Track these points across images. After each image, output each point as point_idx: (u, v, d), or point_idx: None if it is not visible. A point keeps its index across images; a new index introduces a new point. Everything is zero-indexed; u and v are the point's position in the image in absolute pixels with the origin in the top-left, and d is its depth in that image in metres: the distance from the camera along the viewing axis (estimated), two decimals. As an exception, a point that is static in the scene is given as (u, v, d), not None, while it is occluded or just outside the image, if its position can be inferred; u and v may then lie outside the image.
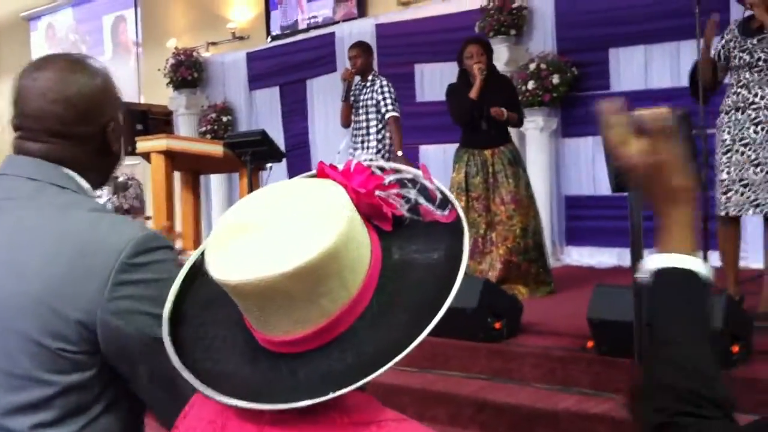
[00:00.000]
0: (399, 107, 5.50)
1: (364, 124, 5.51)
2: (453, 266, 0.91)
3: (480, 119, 4.96)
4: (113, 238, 1.13)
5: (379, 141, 5.46)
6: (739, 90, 3.89)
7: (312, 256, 0.82)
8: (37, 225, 1.14)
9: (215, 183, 8.83)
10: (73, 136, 1.22)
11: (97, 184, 1.31)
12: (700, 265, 0.94)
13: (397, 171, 0.99)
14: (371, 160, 1.00)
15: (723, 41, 4.04)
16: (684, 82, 5.71)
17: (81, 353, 1.11)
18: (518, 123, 5.18)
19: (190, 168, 5.99)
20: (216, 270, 0.86)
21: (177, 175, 5.85)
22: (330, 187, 0.93)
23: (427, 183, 0.99)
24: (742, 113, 3.86)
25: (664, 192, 0.96)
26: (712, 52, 4.07)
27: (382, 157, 5.39)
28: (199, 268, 1.00)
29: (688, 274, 0.93)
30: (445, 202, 0.98)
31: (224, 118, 8.92)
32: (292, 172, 8.30)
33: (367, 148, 5.44)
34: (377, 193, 0.93)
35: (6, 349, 1.11)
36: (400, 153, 5.33)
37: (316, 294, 0.85)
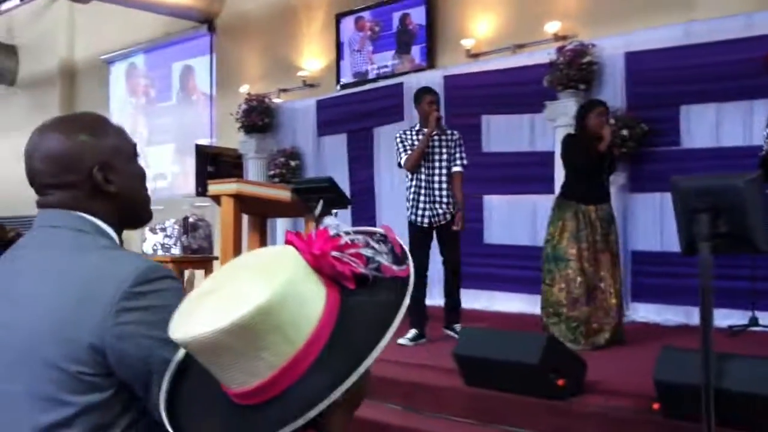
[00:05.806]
0: None
1: (437, 171, 5.45)
2: (393, 310, 0.98)
3: (604, 174, 5.11)
4: (117, 270, 1.27)
5: (452, 193, 5.46)
6: None
7: (243, 313, 0.90)
8: (55, 264, 1.31)
9: (281, 227, 8.97)
10: (66, 184, 1.38)
11: (119, 224, 1.44)
12: None
13: (365, 233, 1.07)
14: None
15: None
16: (756, 141, 5.63)
17: (97, 375, 1.24)
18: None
19: (258, 211, 6.11)
20: (173, 331, 0.96)
21: (245, 218, 5.98)
22: (283, 251, 1.01)
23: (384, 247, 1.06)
24: None
25: None
26: None
27: (454, 208, 5.42)
28: None
29: None
30: (404, 258, 1.05)
31: (292, 163, 9.12)
32: (357, 218, 8.39)
33: (447, 197, 5.42)
34: (332, 254, 1.01)
35: (33, 375, 1.24)
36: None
37: (257, 348, 0.92)
